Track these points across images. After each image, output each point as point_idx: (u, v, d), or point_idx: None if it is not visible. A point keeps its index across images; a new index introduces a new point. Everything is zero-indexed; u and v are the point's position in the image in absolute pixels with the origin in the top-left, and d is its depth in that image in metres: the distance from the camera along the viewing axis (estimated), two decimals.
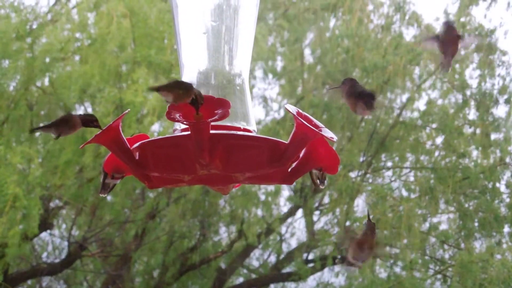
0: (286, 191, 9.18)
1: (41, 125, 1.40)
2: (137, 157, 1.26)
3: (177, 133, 1.32)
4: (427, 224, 8.70)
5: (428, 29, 9.06)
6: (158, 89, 1.18)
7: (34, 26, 7.70)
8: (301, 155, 1.32)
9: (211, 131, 1.15)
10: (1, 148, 6.78)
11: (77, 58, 7.92)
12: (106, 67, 7.40)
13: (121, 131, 1.24)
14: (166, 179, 1.32)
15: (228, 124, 1.30)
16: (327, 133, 1.23)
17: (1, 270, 7.11)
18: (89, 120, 1.34)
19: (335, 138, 1.23)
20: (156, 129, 7.91)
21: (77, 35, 7.81)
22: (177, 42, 1.43)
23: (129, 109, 1.41)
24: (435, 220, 8.75)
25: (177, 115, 1.12)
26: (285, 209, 9.61)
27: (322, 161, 1.34)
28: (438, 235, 8.52)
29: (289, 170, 1.33)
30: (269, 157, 1.24)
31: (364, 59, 8.57)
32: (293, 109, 1.23)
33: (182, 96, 1.16)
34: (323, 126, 1.26)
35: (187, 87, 1.16)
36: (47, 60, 7.42)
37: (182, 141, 1.23)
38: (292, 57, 9.37)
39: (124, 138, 1.25)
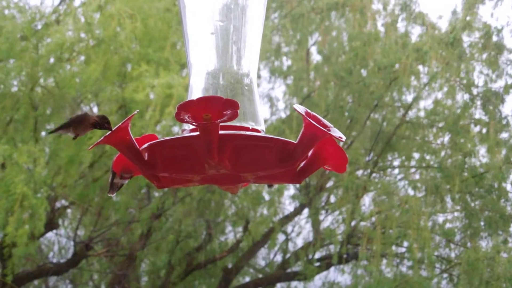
0: (291, 190, 9.19)
1: (59, 125, 1.41)
2: (146, 158, 1.26)
3: (186, 134, 1.33)
4: (434, 223, 8.70)
5: (434, 27, 9.07)
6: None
7: (39, 27, 7.71)
8: (309, 154, 1.32)
9: (220, 132, 1.16)
10: (7, 148, 6.79)
11: (82, 58, 7.93)
12: (111, 67, 7.42)
13: (130, 132, 1.24)
14: (175, 179, 1.32)
15: (237, 124, 1.30)
16: (336, 132, 1.24)
17: (10, 270, 7.13)
18: (101, 122, 1.36)
19: (343, 137, 1.23)
20: (158, 128, 7.92)
21: (82, 35, 7.82)
22: (185, 43, 1.43)
23: (138, 110, 1.42)
24: (441, 219, 8.76)
25: (186, 116, 1.12)
26: (291, 208, 9.62)
27: (330, 160, 1.34)
28: (444, 234, 8.51)
29: (298, 169, 1.33)
30: (278, 157, 1.24)
31: (369, 56, 8.57)
32: (301, 109, 1.23)
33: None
34: (331, 125, 1.26)
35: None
36: (52, 60, 7.43)
37: (191, 141, 1.23)
38: (298, 57, 9.38)
39: (133, 139, 1.26)
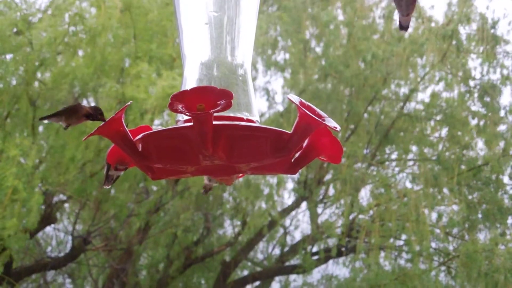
0: (289, 183, 9.20)
1: (51, 113, 1.40)
2: (140, 149, 1.26)
3: (180, 124, 1.32)
4: (432, 216, 8.70)
5: (430, 20, 9.07)
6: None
7: (34, 20, 7.69)
8: (304, 144, 1.32)
9: (214, 122, 1.15)
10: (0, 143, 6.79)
11: (78, 52, 7.92)
12: (108, 62, 7.41)
13: (124, 123, 1.24)
14: (169, 170, 1.31)
15: (231, 114, 1.30)
16: (331, 122, 1.23)
17: (1, 262, 7.10)
18: (94, 114, 1.36)
19: (338, 127, 1.23)
20: (158, 122, 7.92)
21: (75, 28, 7.81)
22: (179, 34, 1.43)
23: (131, 101, 1.43)
24: (440, 211, 8.75)
25: (179, 106, 1.11)
26: (289, 201, 9.62)
27: (325, 151, 1.34)
28: (445, 226, 8.50)
29: (292, 160, 1.33)
30: (273, 147, 1.24)
31: (366, 50, 8.56)
32: (296, 99, 1.23)
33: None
34: (326, 115, 1.26)
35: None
36: (47, 55, 7.41)
37: (185, 132, 1.22)
38: (296, 50, 9.36)
39: (127, 130, 1.25)
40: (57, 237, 9.98)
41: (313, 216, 9.39)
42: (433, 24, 9.03)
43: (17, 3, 7.59)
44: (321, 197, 9.68)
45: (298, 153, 1.33)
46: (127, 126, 1.26)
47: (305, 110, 1.20)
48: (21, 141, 6.88)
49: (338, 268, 9.20)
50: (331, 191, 9.70)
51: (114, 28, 7.33)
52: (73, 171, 7.56)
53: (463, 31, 8.97)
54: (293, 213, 9.89)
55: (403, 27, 1.52)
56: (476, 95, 8.99)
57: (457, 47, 8.79)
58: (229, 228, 10.07)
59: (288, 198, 9.78)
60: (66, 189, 8.03)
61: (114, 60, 7.57)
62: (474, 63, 9.08)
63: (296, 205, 9.65)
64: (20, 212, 6.68)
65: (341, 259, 9.09)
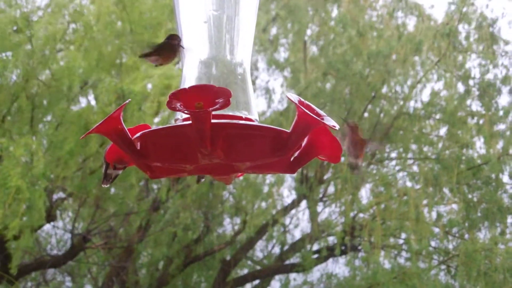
0: (289, 182, 9.18)
1: (147, 51, 1.40)
2: (138, 147, 1.25)
3: (179, 123, 1.32)
4: (432, 215, 8.69)
5: (430, 19, 9.06)
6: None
7: (34, 18, 7.69)
8: (303, 144, 1.31)
9: (213, 121, 1.15)
10: (3, 141, 6.77)
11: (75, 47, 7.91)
12: (105, 57, 7.41)
13: (122, 121, 1.24)
14: (168, 169, 1.31)
15: (230, 113, 1.29)
16: (329, 121, 1.23)
17: (14, 262, 7.10)
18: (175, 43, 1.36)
19: (337, 126, 1.23)
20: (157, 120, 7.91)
21: (75, 25, 7.82)
22: (178, 31, 1.43)
23: (130, 99, 1.42)
24: (441, 210, 8.74)
25: (177, 104, 1.11)
26: (288, 200, 9.60)
27: (324, 150, 1.34)
28: (447, 224, 8.49)
29: (292, 159, 1.32)
30: (272, 146, 1.23)
31: (367, 48, 8.55)
32: (294, 97, 1.22)
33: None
34: (325, 114, 1.26)
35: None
36: (47, 52, 7.40)
37: (183, 130, 1.22)
38: (295, 48, 9.35)
39: (126, 128, 1.25)
40: (56, 235, 9.98)
41: (313, 215, 9.38)
42: (432, 23, 9.03)
43: (16, 0, 7.58)
44: (321, 195, 9.66)
45: (297, 152, 1.33)
46: (125, 120, 1.26)
47: (304, 109, 1.19)
48: (25, 141, 6.87)
49: (338, 267, 9.20)
50: (331, 189, 9.68)
51: (110, 21, 7.34)
52: (73, 167, 7.56)
53: (463, 29, 8.96)
54: (293, 211, 9.88)
55: (353, 167, 1.53)
56: (476, 94, 8.98)
57: (454, 46, 8.78)
58: (228, 227, 10.07)
59: (288, 197, 9.76)
60: (66, 186, 8.02)
61: (111, 54, 7.57)
62: (473, 62, 9.06)
63: (296, 203, 9.63)
64: (22, 211, 6.68)
65: (339, 258, 9.09)
